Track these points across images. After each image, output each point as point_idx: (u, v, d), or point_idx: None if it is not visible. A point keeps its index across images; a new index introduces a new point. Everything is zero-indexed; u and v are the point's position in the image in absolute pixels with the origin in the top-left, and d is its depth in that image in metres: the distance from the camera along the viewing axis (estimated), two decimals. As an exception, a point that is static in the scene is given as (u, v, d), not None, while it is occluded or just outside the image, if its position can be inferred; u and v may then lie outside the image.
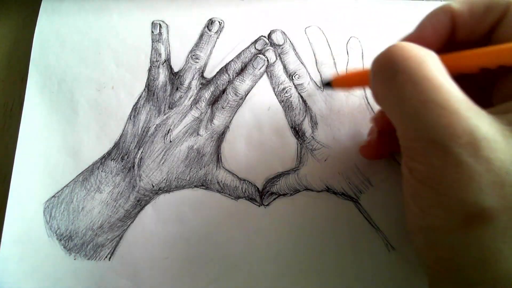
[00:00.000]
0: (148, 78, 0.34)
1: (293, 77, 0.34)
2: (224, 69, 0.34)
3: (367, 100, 0.34)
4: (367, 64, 0.34)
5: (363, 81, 0.27)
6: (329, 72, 0.34)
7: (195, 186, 0.32)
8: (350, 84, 0.30)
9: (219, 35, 0.35)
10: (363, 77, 0.27)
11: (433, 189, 0.18)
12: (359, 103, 0.33)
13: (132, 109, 0.33)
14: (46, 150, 0.32)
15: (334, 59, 0.34)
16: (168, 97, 0.34)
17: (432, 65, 0.19)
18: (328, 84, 0.32)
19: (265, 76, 0.34)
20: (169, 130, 0.33)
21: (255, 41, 0.35)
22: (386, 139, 0.29)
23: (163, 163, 0.32)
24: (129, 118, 0.33)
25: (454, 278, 0.19)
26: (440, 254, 0.20)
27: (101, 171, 0.32)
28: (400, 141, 0.20)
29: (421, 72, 0.18)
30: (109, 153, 0.32)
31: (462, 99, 0.18)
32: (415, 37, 0.24)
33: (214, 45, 0.35)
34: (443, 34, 0.23)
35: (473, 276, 0.18)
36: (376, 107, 0.33)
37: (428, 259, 0.21)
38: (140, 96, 0.34)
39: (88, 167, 0.32)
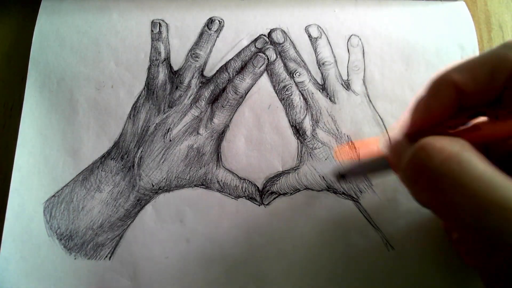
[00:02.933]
0: (147, 77, 0.34)
1: (294, 75, 0.34)
2: (224, 68, 0.34)
3: (369, 98, 0.33)
4: (368, 63, 0.34)
5: (378, 164, 0.26)
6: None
7: (195, 186, 0.32)
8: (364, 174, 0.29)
9: (219, 34, 0.35)
10: (378, 163, 0.26)
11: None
12: (361, 101, 0.33)
13: (131, 108, 0.33)
14: (45, 149, 0.32)
15: (335, 57, 0.34)
16: (167, 96, 0.33)
17: (472, 160, 0.17)
18: (342, 177, 0.30)
19: (265, 74, 0.34)
20: (169, 129, 0.33)
21: (255, 40, 0.35)
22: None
23: (163, 162, 0.32)
24: (129, 117, 0.33)
25: None
26: None
27: (101, 170, 0.32)
28: (457, 240, 0.20)
29: (465, 172, 0.17)
30: (109, 152, 0.32)
31: None
32: (426, 119, 0.22)
33: (214, 44, 0.35)
34: (451, 108, 0.21)
35: None
36: (378, 106, 0.33)
37: None
38: (140, 95, 0.33)
39: (88, 166, 0.32)
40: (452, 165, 0.17)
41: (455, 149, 0.18)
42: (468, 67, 0.21)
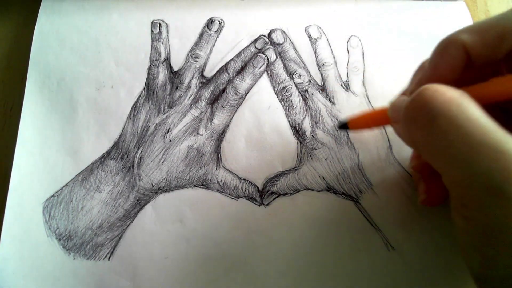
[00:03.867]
0: (147, 77, 0.34)
1: (294, 76, 0.34)
2: (224, 68, 0.34)
3: (368, 99, 0.33)
4: (367, 63, 0.34)
5: (381, 120, 0.27)
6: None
7: (195, 186, 0.32)
8: (367, 125, 0.29)
9: (219, 34, 0.35)
10: (380, 117, 0.26)
11: (497, 239, 0.17)
12: (360, 102, 0.33)
13: (131, 108, 0.33)
14: (45, 149, 0.32)
15: (334, 58, 0.34)
16: (167, 96, 0.33)
17: (470, 106, 0.18)
18: (343, 126, 0.30)
19: (265, 75, 0.34)
20: (168, 129, 0.33)
21: (255, 40, 0.35)
22: (439, 182, 0.28)
23: (162, 162, 0.32)
24: (129, 117, 0.33)
25: None
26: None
27: (101, 170, 0.32)
28: (449, 187, 0.19)
29: (463, 114, 0.18)
30: (108, 153, 0.32)
31: (508, 138, 0.17)
32: (432, 75, 0.23)
33: (214, 44, 0.35)
34: (458, 68, 0.22)
35: None
36: (378, 105, 0.33)
37: None
38: (140, 95, 0.33)
39: (88, 166, 0.32)
40: (451, 106, 0.18)
41: (456, 94, 0.18)
42: (477, 29, 0.21)
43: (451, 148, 0.18)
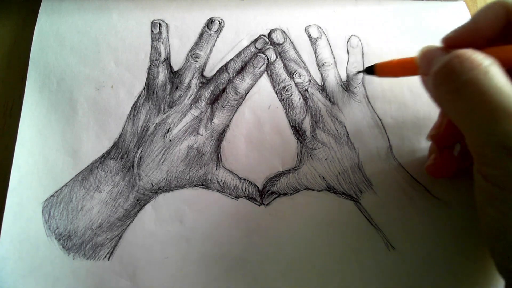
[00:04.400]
0: (147, 77, 0.34)
1: (294, 76, 0.34)
2: (224, 68, 0.34)
3: (368, 99, 0.33)
4: (367, 64, 0.34)
5: (409, 69, 0.27)
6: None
7: (195, 186, 0.32)
8: (394, 72, 0.30)
9: (219, 34, 0.35)
10: (409, 65, 0.27)
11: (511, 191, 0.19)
12: (360, 102, 0.33)
13: (131, 108, 0.33)
14: (45, 149, 0.32)
15: (334, 58, 0.34)
16: (167, 96, 0.33)
17: (496, 74, 0.19)
18: (370, 71, 0.31)
19: (265, 75, 0.34)
20: (168, 129, 0.33)
21: (255, 40, 0.35)
22: (450, 155, 0.30)
23: (162, 162, 0.32)
24: (129, 117, 0.33)
25: None
26: None
27: (101, 170, 0.32)
28: (471, 147, 0.21)
29: (488, 82, 0.19)
30: (108, 152, 0.32)
31: None
32: (470, 28, 0.24)
33: (214, 44, 0.35)
34: (497, 28, 0.23)
35: None
36: (377, 107, 0.33)
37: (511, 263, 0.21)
38: (140, 95, 0.33)
39: (88, 166, 0.32)
40: (479, 74, 0.19)
41: (486, 62, 0.20)
42: None
43: (475, 112, 0.20)
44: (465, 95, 0.20)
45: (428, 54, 0.24)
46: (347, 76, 0.34)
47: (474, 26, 0.24)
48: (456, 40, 0.24)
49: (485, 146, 0.20)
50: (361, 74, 0.34)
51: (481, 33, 0.23)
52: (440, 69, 0.21)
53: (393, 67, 0.29)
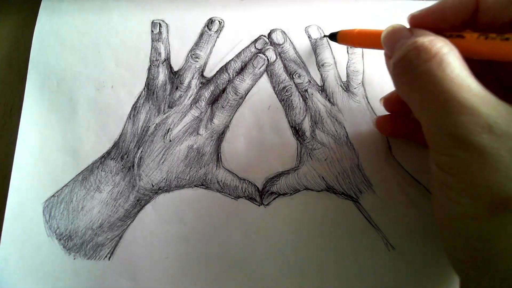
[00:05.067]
0: (147, 77, 0.34)
1: (294, 76, 0.34)
2: (224, 68, 0.34)
3: (367, 99, 0.33)
4: (367, 64, 0.34)
5: (370, 42, 0.27)
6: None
7: (195, 186, 0.32)
8: (357, 43, 0.30)
9: (219, 34, 0.35)
10: (371, 38, 0.27)
11: (459, 178, 0.20)
12: (359, 103, 0.33)
13: (131, 108, 0.33)
14: (45, 149, 0.32)
15: (334, 58, 0.34)
16: (167, 96, 0.33)
17: (451, 64, 0.20)
18: (332, 37, 0.32)
19: (265, 75, 0.34)
20: (168, 130, 0.33)
21: (255, 41, 0.35)
22: (399, 120, 0.31)
23: (162, 162, 0.32)
24: (129, 117, 0.33)
25: (485, 271, 0.20)
26: (469, 243, 0.20)
27: (101, 170, 0.32)
28: (426, 137, 0.22)
29: (441, 73, 0.19)
30: (108, 153, 0.32)
31: (482, 96, 0.19)
32: (438, 9, 0.24)
33: (214, 45, 0.35)
34: (464, 13, 0.23)
35: (503, 267, 0.19)
36: (376, 107, 0.33)
37: (458, 251, 0.22)
38: (140, 95, 0.34)
39: (88, 166, 0.32)
40: (433, 64, 0.20)
41: (443, 51, 0.20)
42: None
43: (429, 103, 0.20)
44: (420, 86, 0.20)
45: (393, 35, 0.24)
46: (347, 76, 0.34)
47: (442, 7, 0.23)
48: (423, 20, 0.24)
49: (438, 136, 0.20)
50: (360, 75, 0.34)
51: (449, 16, 0.23)
52: (398, 61, 0.22)
53: (357, 36, 0.29)
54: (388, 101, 0.31)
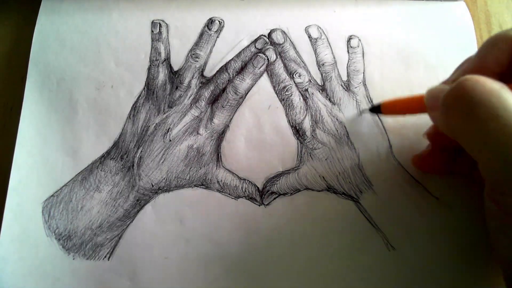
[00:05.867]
0: (147, 77, 0.34)
1: (294, 76, 0.34)
2: (224, 68, 0.34)
3: (368, 99, 0.33)
4: (367, 64, 0.34)
5: (416, 107, 0.27)
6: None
7: (195, 186, 0.32)
8: (401, 111, 0.29)
9: (219, 34, 0.35)
10: (416, 104, 0.27)
11: None
12: (360, 102, 0.33)
13: (131, 108, 0.33)
14: (45, 149, 0.32)
15: (334, 58, 0.34)
16: (167, 96, 0.33)
17: (510, 97, 0.19)
18: (376, 110, 0.30)
19: (265, 75, 0.34)
20: (168, 129, 0.33)
21: (255, 40, 0.35)
22: (443, 155, 0.29)
23: (162, 162, 0.32)
24: (129, 117, 0.33)
25: None
26: None
27: (101, 170, 0.32)
28: (483, 172, 0.20)
29: (503, 104, 0.18)
30: (108, 152, 0.32)
31: None
32: (478, 67, 0.23)
33: (214, 44, 0.35)
34: (504, 64, 0.22)
35: None
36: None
37: None
38: (140, 95, 0.33)
39: (87, 166, 0.32)
40: (492, 97, 0.19)
41: (497, 86, 0.19)
42: None
43: (489, 137, 0.19)
44: (478, 119, 0.19)
45: (435, 92, 0.23)
46: (348, 75, 0.34)
47: (480, 63, 0.23)
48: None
49: (499, 173, 0.19)
50: (361, 74, 0.34)
51: (488, 71, 0.22)
52: (451, 91, 0.21)
53: (400, 105, 0.29)
54: (431, 134, 0.30)
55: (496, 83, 0.19)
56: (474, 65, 0.24)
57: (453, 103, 0.21)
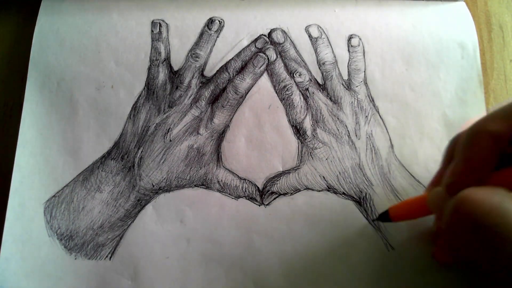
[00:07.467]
0: (147, 77, 0.34)
1: (294, 75, 0.34)
2: (224, 68, 0.34)
3: (369, 98, 0.33)
4: (368, 63, 0.34)
5: (422, 211, 0.27)
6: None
7: (195, 186, 0.32)
8: (409, 215, 0.29)
9: (219, 34, 0.35)
10: (420, 207, 0.26)
11: None
12: (361, 101, 0.33)
13: (131, 108, 0.33)
14: (46, 149, 0.32)
15: (335, 57, 0.34)
16: (168, 96, 0.33)
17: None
18: (384, 218, 0.29)
19: (265, 74, 0.34)
20: (169, 129, 0.33)
21: (255, 40, 0.35)
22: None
23: (163, 162, 0.32)
24: (129, 117, 0.33)
25: None
26: None
27: (101, 170, 0.32)
28: (495, 283, 0.20)
29: (506, 220, 0.18)
30: (109, 153, 0.32)
31: None
32: (466, 170, 0.22)
33: (214, 44, 0.34)
34: (492, 159, 0.21)
35: None
36: (379, 105, 0.33)
37: None
38: (140, 95, 0.33)
39: (88, 166, 0.32)
40: (495, 218, 0.18)
41: (495, 200, 0.19)
42: (503, 115, 0.21)
43: (498, 253, 0.18)
44: (485, 238, 0.19)
45: (436, 199, 0.23)
46: (348, 74, 0.34)
47: (469, 166, 0.22)
48: (458, 185, 0.22)
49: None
50: (362, 73, 0.34)
51: (479, 171, 0.22)
52: (450, 220, 0.20)
53: (407, 208, 0.28)
54: (439, 253, 0.29)
55: (493, 195, 0.19)
56: (463, 168, 0.22)
57: (457, 225, 0.20)
